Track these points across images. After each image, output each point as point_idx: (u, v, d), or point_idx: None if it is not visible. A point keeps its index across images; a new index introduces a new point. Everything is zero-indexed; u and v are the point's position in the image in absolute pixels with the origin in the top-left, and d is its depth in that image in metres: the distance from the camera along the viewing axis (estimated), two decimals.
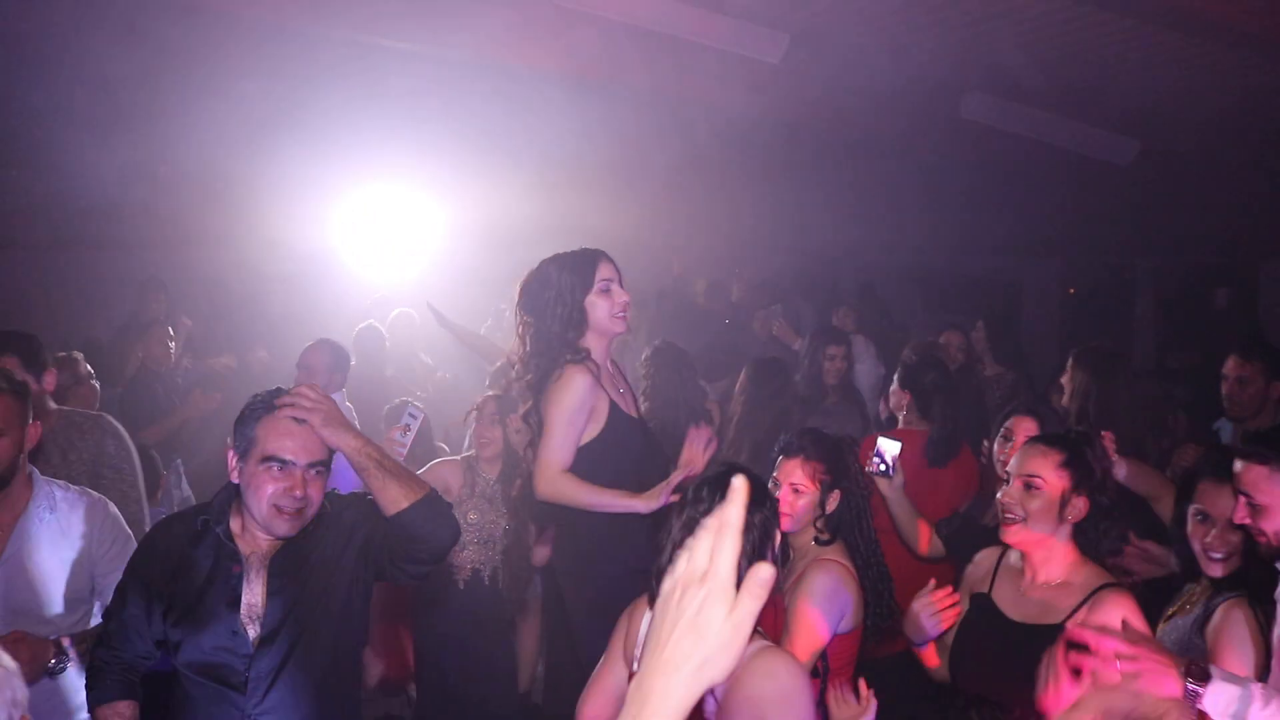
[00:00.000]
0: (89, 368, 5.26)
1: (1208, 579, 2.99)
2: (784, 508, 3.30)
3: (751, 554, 2.40)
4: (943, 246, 12.10)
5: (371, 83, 6.09)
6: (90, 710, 2.80)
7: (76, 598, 3.15)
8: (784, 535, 3.31)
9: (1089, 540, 2.93)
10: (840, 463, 3.44)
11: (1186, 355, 9.95)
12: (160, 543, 2.77)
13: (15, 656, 1.80)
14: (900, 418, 5.01)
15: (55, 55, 5.43)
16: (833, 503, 3.36)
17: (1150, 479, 3.88)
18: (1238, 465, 2.81)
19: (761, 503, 2.57)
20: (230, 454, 2.70)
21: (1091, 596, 2.79)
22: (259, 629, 2.62)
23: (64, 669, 2.95)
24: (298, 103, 6.16)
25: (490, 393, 4.90)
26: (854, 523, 3.40)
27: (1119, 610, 2.69)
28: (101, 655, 2.77)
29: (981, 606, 3.02)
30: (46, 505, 3.13)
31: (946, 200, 8.56)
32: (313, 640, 2.66)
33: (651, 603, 2.08)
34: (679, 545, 2.13)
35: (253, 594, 2.66)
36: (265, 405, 2.68)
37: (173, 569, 2.69)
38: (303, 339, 6.17)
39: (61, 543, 3.13)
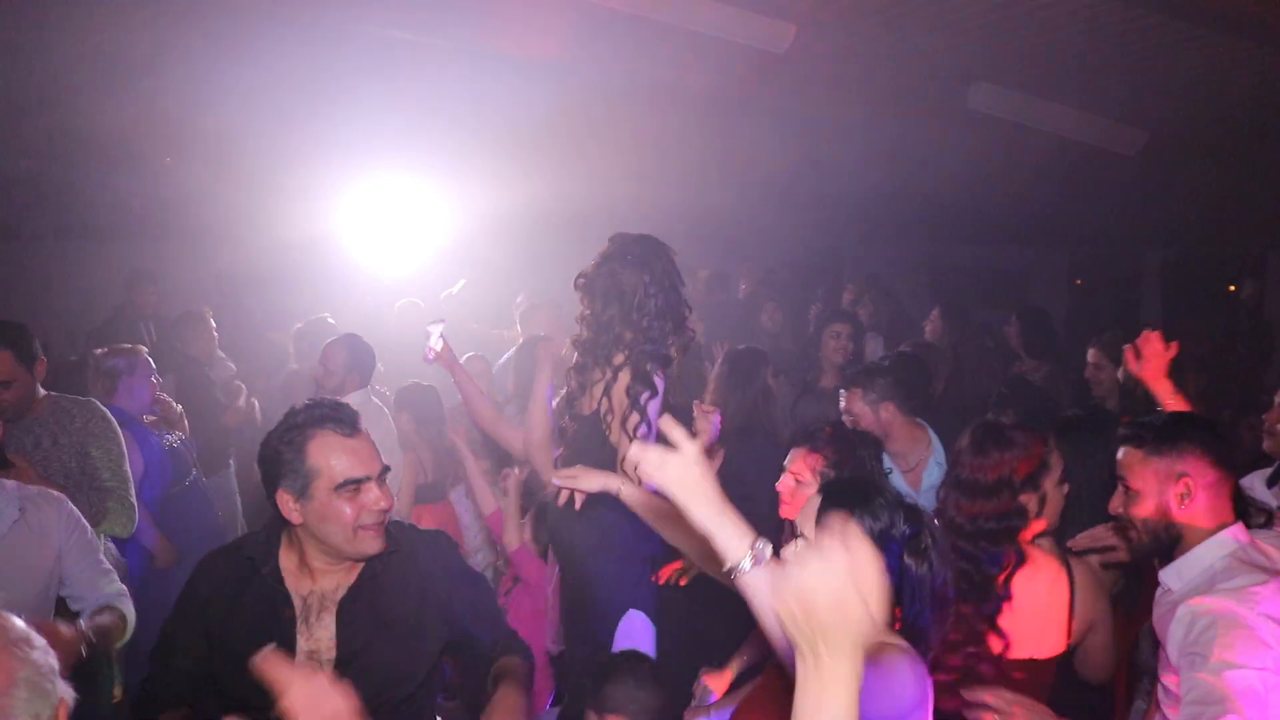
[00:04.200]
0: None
1: None
2: (785, 496, 3.36)
3: None
4: (949, 237, 12.08)
5: (377, 72, 6.07)
6: None
7: (47, 595, 3.15)
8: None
9: None
10: (847, 457, 3.41)
11: (1196, 345, 9.91)
12: (203, 587, 2.53)
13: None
14: None
15: (60, 38, 5.43)
16: None
17: None
18: (1119, 451, 2.71)
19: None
20: (282, 496, 2.43)
21: None
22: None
23: None
24: (304, 92, 6.16)
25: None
26: None
27: None
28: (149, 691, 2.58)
29: None
30: (15, 504, 3.09)
31: (953, 190, 8.53)
32: (393, 689, 2.46)
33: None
34: None
35: (314, 640, 2.45)
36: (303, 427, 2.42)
37: (221, 614, 2.46)
38: (309, 332, 6.20)
39: (34, 541, 3.11)
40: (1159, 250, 11.21)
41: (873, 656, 2.04)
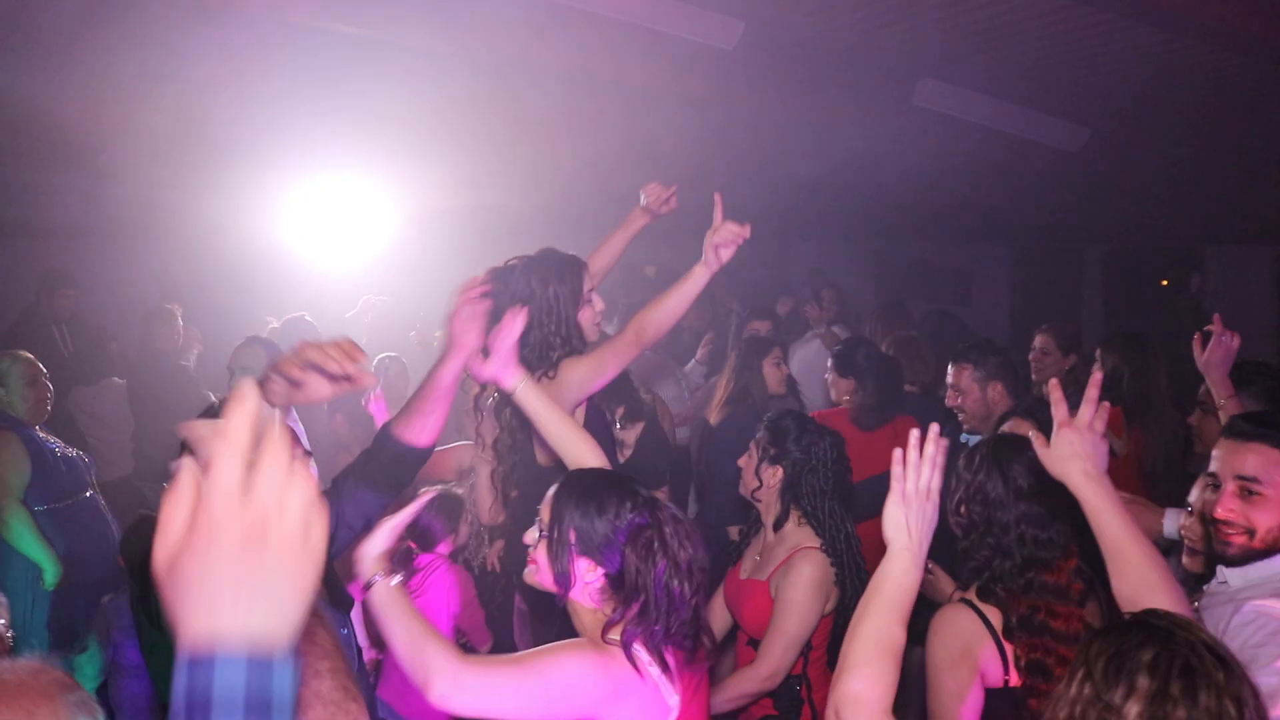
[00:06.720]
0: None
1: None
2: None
3: None
4: (895, 232, 12.17)
5: (319, 69, 5.96)
6: None
7: None
8: (759, 519, 3.49)
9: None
10: (777, 439, 3.42)
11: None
12: None
13: None
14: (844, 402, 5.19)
15: None
16: (772, 478, 3.38)
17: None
18: (1238, 445, 2.38)
19: None
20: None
21: None
22: None
23: None
24: (242, 90, 6.02)
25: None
26: (810, 499, 3.37)
27: None
28: None
29: None
30: None
31: (898, 185, 8.57)
32: None
33: None
34: None
35: None
36: None
37: None
38: (248, 332, 6.10)
39: None
40: (1100, 246, 11.37)
41: (559, 653, 2.26)
